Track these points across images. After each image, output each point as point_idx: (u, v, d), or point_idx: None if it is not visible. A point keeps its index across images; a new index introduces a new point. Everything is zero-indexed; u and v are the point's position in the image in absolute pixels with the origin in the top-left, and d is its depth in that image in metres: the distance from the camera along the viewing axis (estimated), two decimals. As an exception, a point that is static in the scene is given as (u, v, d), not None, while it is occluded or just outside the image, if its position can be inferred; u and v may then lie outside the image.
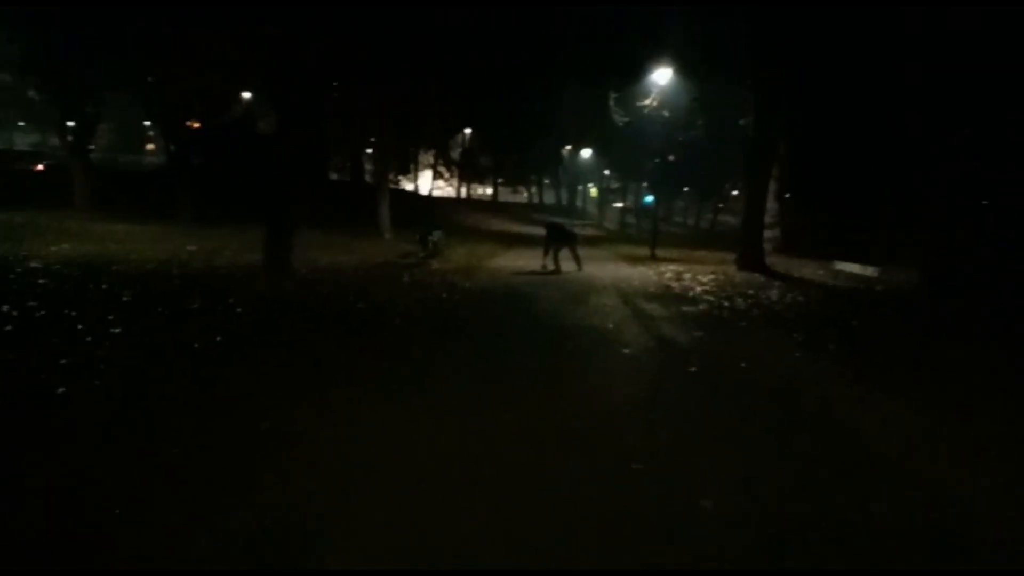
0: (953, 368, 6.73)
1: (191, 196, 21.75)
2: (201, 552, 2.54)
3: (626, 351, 6.93)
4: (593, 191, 65.65)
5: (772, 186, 20.10)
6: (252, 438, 3.79)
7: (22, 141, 48.24)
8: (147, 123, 38.86)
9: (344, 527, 2.80)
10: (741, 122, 20.07)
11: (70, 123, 22.86)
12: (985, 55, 13.98)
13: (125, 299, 7.47)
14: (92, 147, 23.31)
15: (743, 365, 6.50)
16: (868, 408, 5.16)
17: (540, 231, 17.98)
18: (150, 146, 47.76)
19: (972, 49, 14.02)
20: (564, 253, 15.41)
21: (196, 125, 25.26)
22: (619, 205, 58.89)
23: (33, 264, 10.09)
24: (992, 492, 3.56)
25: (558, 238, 15.52)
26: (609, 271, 16.03)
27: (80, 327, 5.97)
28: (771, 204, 20.46)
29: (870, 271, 16.97)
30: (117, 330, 5.99)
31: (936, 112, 16.04)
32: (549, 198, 68.80)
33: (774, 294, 12.24)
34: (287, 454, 3.57)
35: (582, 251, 16.39)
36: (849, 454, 4.08)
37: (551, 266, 15.11)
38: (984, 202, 17.03)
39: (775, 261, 18.62)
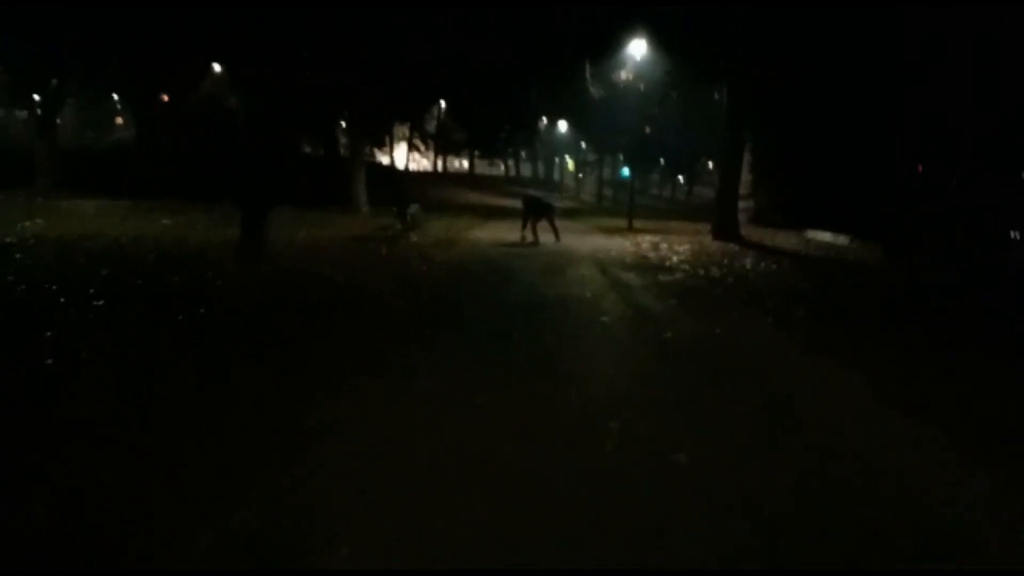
0: (904, 338, 7.00)
1: (162, 172, 21.41)
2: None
3: (604, 319, 7.09)
4: (570, 164, 65.63)
5: (746, 158, 20.36)
6: (235, 417, 3.85)
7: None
8: (115, 97, 37.79)
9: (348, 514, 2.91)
10: (716, 95, 20.23)
11: (36, 96, 22.29)
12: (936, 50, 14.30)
13: (104, 273, 7.45)
14: (59, 121, 22.73)
15: (717, 332, 6.70)
16: (829, 376, 5.39)
17: (517, 203, 18.03)
18: (119, 120, 46.51)
19: (927, 40, 14.32)
20: (542, 225, 15.54)
21: (166, 98, 24.82)
22: (580, 176, 58.86)
23: (8, 240, 9.97)
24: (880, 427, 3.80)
25: (535, 210, 15.68)
26: (587, 242, 16.18)
27: (62, 300, 5.97)
28: (745, 175, 20.72)
29: (841, 240, 17.32)
30: (100, 303, 6.01)
31: (902, 94, 16.36)
32: (526, 171, 68.69)
33: (748, 263, 12.49)
34: (279, 444, 3.59)
35: (560, 223, 16.48)
36: (803, 412, 4.31)
37: (530, 237, 15.24)
38: (938, 181, 17.56)
39: (749, 231, 18.92)
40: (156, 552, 2.45)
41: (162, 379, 4.28)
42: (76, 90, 25.28)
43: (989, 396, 4.77)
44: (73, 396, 3.88)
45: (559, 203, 24.34)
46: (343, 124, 33.53)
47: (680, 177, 59.34)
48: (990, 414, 4.34)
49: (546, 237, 15.28)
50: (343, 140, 35.87)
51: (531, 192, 20.75)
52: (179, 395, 4.05)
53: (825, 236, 18.14)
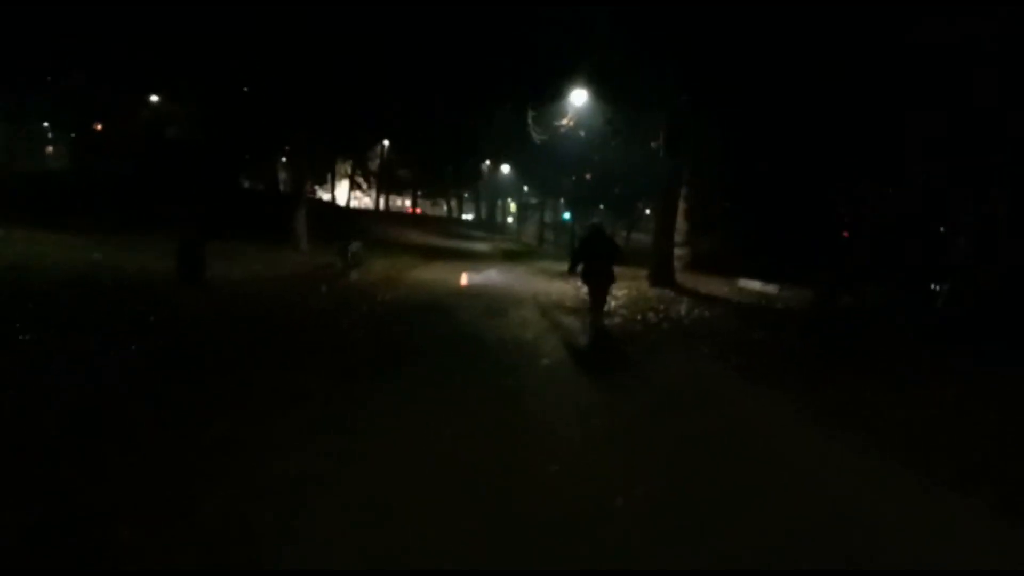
0: (820, 372, 7.36)
1: (95, 203, 20.69)
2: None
3: (545, 362, 7.22)
4: (513, 206, 66.53)
5: (681, 206, 21.11)
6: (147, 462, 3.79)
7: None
8: (46, 125, 36.38)
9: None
10: (653, 144, 21.03)
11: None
12: (881, 94, 15.21)
13: (30, 308, 7.14)
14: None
15: (652, 374, 6.91)
16: (763, 410, 5.64)
17: (460, 245, 18.03)
18: (50, 149, 44.65)
19: (868, 86, 15.22)
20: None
21: (99, 127, 24.19)
22: (522, 220, 59.18)
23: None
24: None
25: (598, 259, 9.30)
26: (528, 285, 16.37)
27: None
28: (681, 223, 21.44)
29: (771, 288, 18.08)
30: (26, 337, 5.78)
31: (832, 145, 17.36)
32: (469, 212, 69.31)
33: (683, 309, 12.89)
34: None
35: (502, 266, 16.50)
36: (737, 436, 4.52)
37: (580, 294, 11.30)
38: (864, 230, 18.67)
39: (685, 278, 19.51)
40: None
41: (95, 405, 4.16)
42: (4, 116, 24.43)
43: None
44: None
45: (503, 244, 24.60)
46: (283, 160, 33.27)
47: (622, 223, 60.68)
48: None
49: (481, 277, 15.37)
50: (283, 176, 35.52)
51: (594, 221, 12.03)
52: (110, 414, 3.94)
53: (755, 284, 18.89)
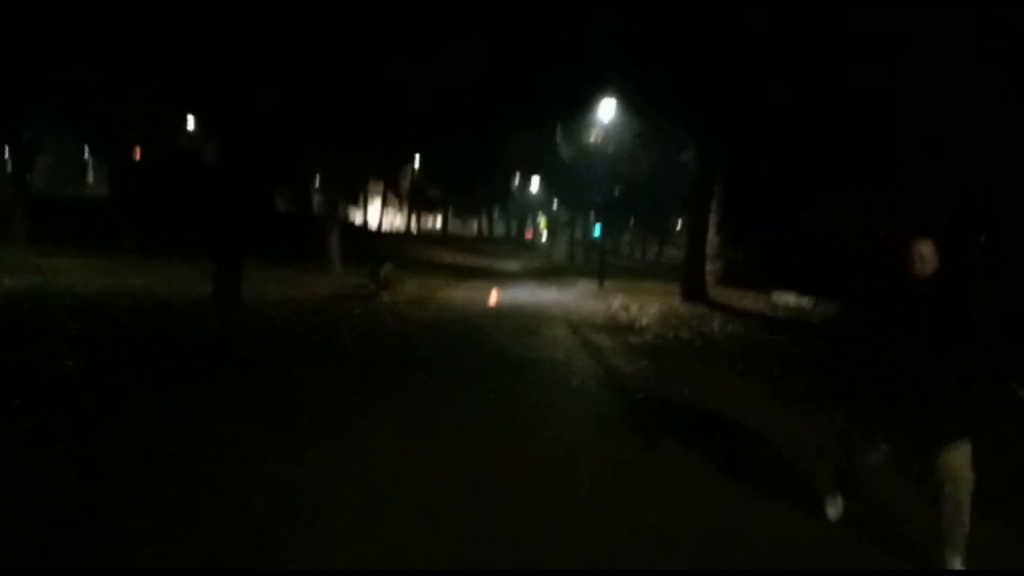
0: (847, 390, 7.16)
1: (134, 227, 21.28)
2: None
3: (576, 381, 7.19)
4: (543, 223, 66.66)
5: (713, 219, 20.93)
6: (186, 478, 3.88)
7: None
8: (87, 153, 37.65)
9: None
10: (683, 157, 20.96)
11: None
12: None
13: (73, 333, 7.37)
14: (30, 177, 22.65)
15: (687, 392, 6.84)
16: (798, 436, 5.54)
17: (490, 264, 17.96)
18: (90, 177, 46.12)
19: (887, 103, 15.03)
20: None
21: (138, 155, 24.94)
22: (551, 236, 59.42)
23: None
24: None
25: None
26: (559, 303, 16.36)
27: (31, 361, 5.90)
28: (712, 236, 21.24)
29: (805, 302, 17.75)
30: (70, 363, 5.95)
31: (859, 154, 17.12)
32: (499, 229, 69.65)
33: (716, 324, 12.72)
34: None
35: (531, 283, 16.45)
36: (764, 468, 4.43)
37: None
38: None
39: (717, 292, 19.29)
40: None
41: (136, 430, 4.27)
42: (48, 144, 25.36)
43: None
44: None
45: (530, 262, 24.61)
46: (317, 183, 33.90)
47: (654, 238, 60.32)
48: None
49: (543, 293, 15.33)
50: (317, 199, 36.18)
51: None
52: (153, 440, 4.04)
53: (790, 298, 18.56)
